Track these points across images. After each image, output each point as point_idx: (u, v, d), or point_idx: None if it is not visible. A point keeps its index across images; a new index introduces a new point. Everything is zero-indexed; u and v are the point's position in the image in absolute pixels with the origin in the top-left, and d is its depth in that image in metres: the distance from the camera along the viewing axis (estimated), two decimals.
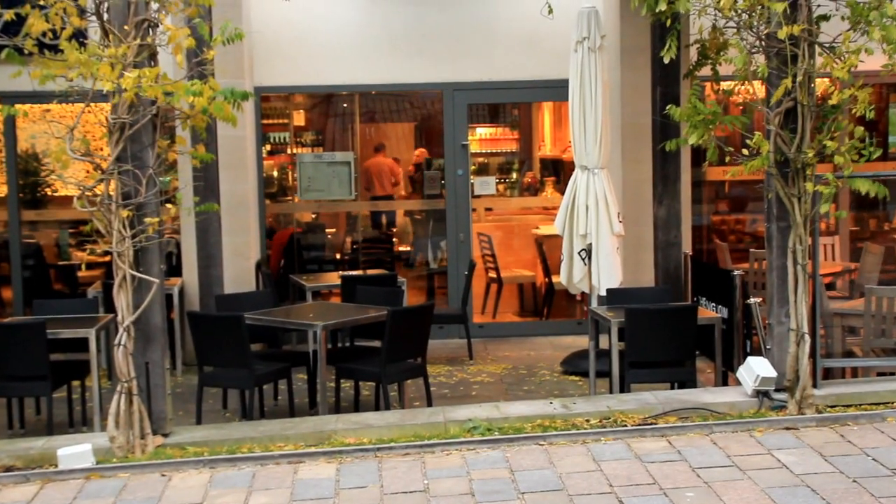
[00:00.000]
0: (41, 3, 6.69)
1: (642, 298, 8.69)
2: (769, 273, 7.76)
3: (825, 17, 7.52)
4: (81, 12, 6.83)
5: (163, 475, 6.61)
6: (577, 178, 9.30)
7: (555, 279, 11.22)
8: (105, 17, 6.89)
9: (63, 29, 6.66)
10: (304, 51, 11.24)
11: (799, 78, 7.26)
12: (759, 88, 7.77)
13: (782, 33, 7.10)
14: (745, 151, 7.50)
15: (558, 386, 9.18)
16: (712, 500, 5.83)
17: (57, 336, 7.99)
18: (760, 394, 7.53)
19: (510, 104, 12.85)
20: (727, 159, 7.79)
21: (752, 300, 8.35)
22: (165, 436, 7.19)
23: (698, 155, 10.44)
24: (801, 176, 7.37)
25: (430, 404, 8.32)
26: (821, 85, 8.41)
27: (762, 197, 7.82)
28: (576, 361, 9.64)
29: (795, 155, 7.32)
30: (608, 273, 9.14)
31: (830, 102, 7.31)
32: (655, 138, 9.92)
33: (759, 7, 7.29)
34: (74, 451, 6.78)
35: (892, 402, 7.49)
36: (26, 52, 6.71)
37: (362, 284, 9.62)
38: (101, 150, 7.62)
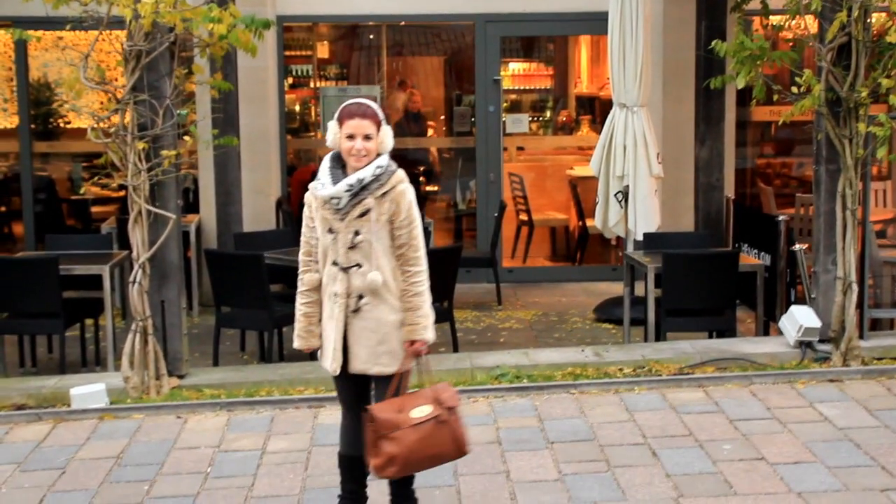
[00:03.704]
0: None
1: (681, 243, 8.65)
2: (816, 218, 7.71)
3: None
4: None
5: (178, 417, 6.69)
6: (615, 116, 9.22)
7: (589, 223, 11.18)
8: None
9: None
10: None
11: (854, 12, 7.15)
12: (810, 23, 7.66)
13: None
14: (794, 90, 7.41)
15: (590, 334, 9.18)
16: (750, 452, 5.84)
17: (70, 272, 8.05)
18: (803, 345, 7.52)
19: (545, 38, 12.73)
20: (775, 98, 7.70)
21: (797, 247, 8.30)
22: (181, 377, 7.26)
23: (744, 94, 10.31)
24: (854, 116, 7.28)
25: (455, 350, 8.35)
26: (878, 20, 8.27)
27: (810, 139, 7.75)
28: (609, 309, 9.64)
29: (848, 94, 7.23)
30: (645, 217, 9.08)
31: (887, 39, 7.19)
32: (699, 75, 9.82)
33: None
34: (88, 390, 6.87)
35: None
36: None
37: None
38: (116, 80, 7.62)
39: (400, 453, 4.67)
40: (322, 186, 4.71)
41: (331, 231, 4.72)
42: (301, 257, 4.88)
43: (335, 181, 4.69)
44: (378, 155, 4.72)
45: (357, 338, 4.75)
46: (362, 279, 4.69)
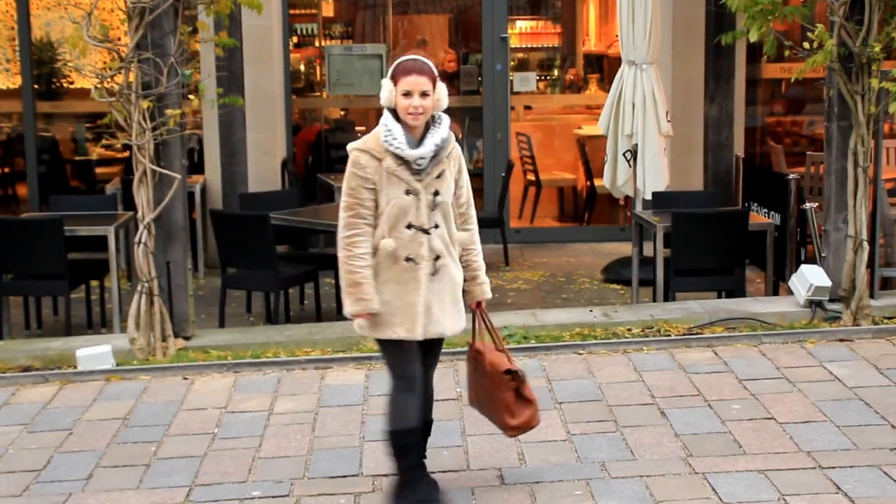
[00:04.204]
0: None
1: (690, 202, 8.62)
2: (827, 176, 7.67)
3: None
4: None
5: (185, 378, 6.70)
6: (624, 73, 9.16)
7: (597, 182, 11.16)
8: None
9: None
10: None
11: None
12: None
13: None
14: (805, 45, 7.34)
15: (599, 294, 9.18)
16: (760, 412, 5.84)
17: (74, 234, 8.05)
18: (813, 304, 7.50)
19: None
20: (786, 54, 7.64)
21: (807, 205, 8.28)
22: (187, 339, 7.27)
23: (754, 51, 10.24)
24: (866, 72, 7.21)
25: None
26: None
27: (820, 97, 7.69)
28: (618, 269, 9.62)
29: (860, 49, 7.16)
30: (654, 176, 9.05)
31: None
32: (709, 31, 9.75)
33: None
34: (94, 352, 6.88)
35: None
36: None
37: None
38: (119, 39, 7.60)
39: (535, 399, 4.99)
40: (400, 146, 4.59)
41: (408, 192, 4.62)
42: (350, 219, 4.61)
43: (409, 140, 4.61)
44: (433, 113, 4.67)
45: (435, 300, 4.69)
46: (440, 240, 4.67)
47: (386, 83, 4.64)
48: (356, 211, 4.63)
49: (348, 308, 4.68)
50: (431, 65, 4.67)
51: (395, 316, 4.65)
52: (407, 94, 4.58)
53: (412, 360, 4.73)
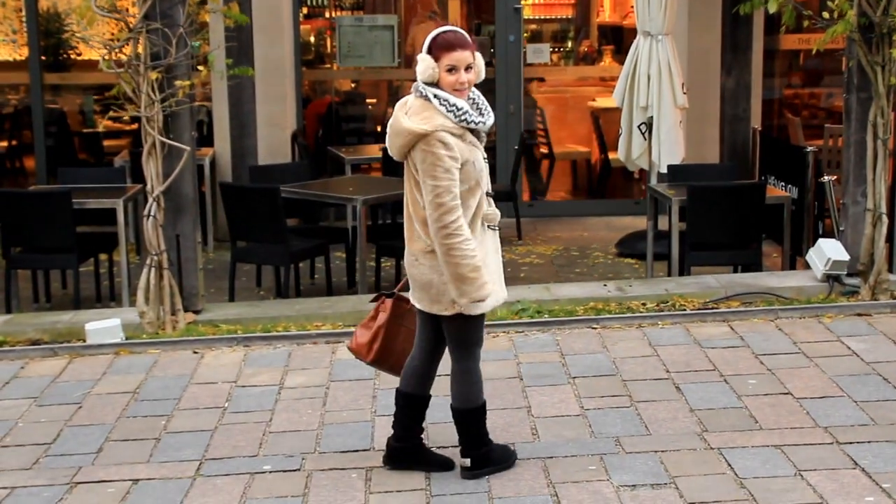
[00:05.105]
0: None
1: (706, 176, 8.59)
2: (846, 149, 7.63)
3: None
4: None
5: (195, 352, 6.72)
6: (639, 44, 9.12)
7: (611, 155, 11.12)
8: None
9: None
10: None
11: None
12: None
13: None
14: (825, 15, 7.30)
15: (613, 268, 9.17)
16: (776, 387, 5.83)
17: (83, 206, 8.06)
18: (831, 278, 7.48)
19: None
20: (805, 24, 7.59)
21: (825, 178, 8.25)
22: (197, 312, 7.28)
23: (772, 22, 10.20)
24: (887, 42, 7.16)
25: None
26: None
27: (839, 70, 7.65)
28: (632, 243, 9.61)
29: (881, 18, 7.10)
30: (670, 148, 9.02)
31: None
32: (726, 1, 9.69)
33: None
34: (103, 325, 6.90)
35: None
36: None
37: None
38: (127, 10, 7.59)
39: None
40: (480, 119, 4.59)
41: (485, 160, 4.67)
42: (452, 203, 4.47)
43: (475, 109, 4.62)
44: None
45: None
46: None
47: (425, 59, 4.55)
48: (454, 193, 4.50)
49: (474, 294, 4.54)
50: (468, 35, 4.62)
51: (496, 284, 4.71)
52: (452, 70, 4.54)
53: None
